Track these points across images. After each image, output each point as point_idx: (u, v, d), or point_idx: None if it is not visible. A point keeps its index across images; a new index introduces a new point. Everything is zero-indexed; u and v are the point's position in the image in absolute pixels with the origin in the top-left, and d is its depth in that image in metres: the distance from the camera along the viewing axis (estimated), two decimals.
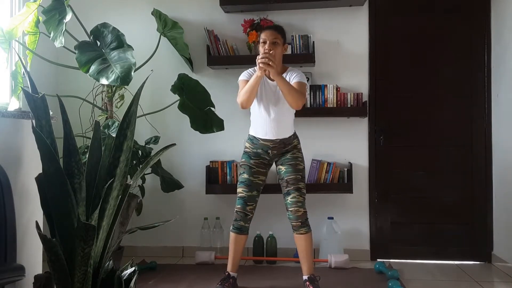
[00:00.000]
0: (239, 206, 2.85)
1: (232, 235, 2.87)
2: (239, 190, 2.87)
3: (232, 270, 2.88)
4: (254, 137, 2.89)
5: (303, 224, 2.78)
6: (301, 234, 2.78)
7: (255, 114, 2.89)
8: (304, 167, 2.90)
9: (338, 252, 3.43)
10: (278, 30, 2.84)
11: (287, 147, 2.88)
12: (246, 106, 2.78)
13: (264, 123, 2.84)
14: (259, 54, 2.67)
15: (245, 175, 2.87)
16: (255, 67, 2.76)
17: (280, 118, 2.82)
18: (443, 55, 3.61)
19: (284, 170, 2.85)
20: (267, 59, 2.58)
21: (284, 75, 2.81)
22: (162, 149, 2.05)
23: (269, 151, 2.87)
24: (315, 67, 3.63)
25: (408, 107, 3.63)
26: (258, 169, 2.87)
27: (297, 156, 2.88)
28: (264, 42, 2.78)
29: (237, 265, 2.90)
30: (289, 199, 2.80)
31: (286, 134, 2.87)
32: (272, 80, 2.76)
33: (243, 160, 2.91)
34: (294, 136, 2.93)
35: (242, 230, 2.85)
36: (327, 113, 3.53)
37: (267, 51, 2.70)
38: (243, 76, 2.87)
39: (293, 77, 2.81)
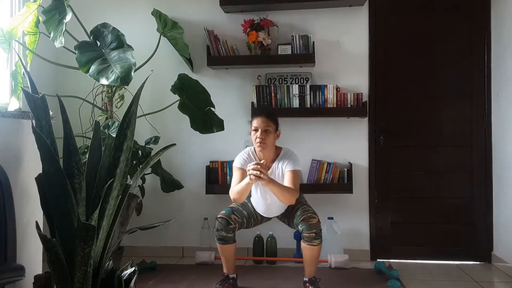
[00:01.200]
0: (223, 212, 2.80)
1: (218, 245, 2.83)
2: (233, 204, 2.88)
3: (229, 272, 2.88)
4: (254, 207, 2.96)
5: (317, 235, 2.67)
6: (314, 246, 2.68)
7: (253, 193, 2.92)
8: (303, 199, 2.95)
9: (338, 252, 3.43)
10: (270, 117, 2.80)
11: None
12: (239, 202, 2.83)
13: (261, 203, 2.89)
14: (251, 164, 2.66)
15: (245, 200, 2.91)
16: (249, 149, 2.84)
17: (277, 202, 2.82)
18: (443, 55, 3.61)
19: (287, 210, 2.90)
20: (258, 172, 2.57)
21: (276, 162, 2.84)
22: (162, 149, 2.05)
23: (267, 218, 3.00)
24: (315, 67, 3.63)
25: (408, 107, 3.63)
26: (256, 216, 2.96)
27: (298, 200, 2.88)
28: (256, 130, 2.77)
29: (232, 267, 2.89)
30: (298, 212, 2.76)
31: (283, 210, 2.91)
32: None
33: (249, 197, 2.96)
34: None
35: (226, 240, 2.79)
36: (327, 113, 3.53)
37: (258, 141, 2.72)
38: (237, 162, 2.87)
39: (285, 165, 2.80)
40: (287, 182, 2.74)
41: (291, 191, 2.69)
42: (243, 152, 2.92)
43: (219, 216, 2.79)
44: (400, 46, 3.65)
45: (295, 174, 2.78)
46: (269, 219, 3.02)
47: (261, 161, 2.69)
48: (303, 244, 2.73)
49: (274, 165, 2.85)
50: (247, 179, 2.65)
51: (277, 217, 2.99)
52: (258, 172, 2.57)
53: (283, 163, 2.82)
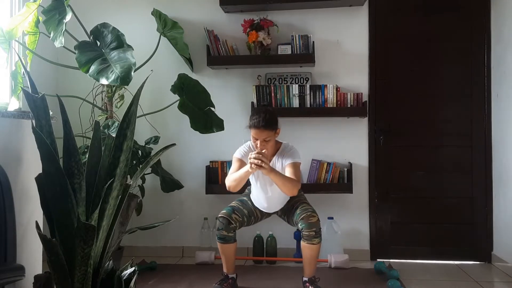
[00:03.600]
0: (224, 211, 2.80)
1: (218, 244, 2.84)
2: (233, 202, 2.89)
3: (229, 272, 2.88)
4: (253, 203, 2.95)
5: (316, 234, 2.67)
6: (313, 244, 2.69)
7: (253, 184, 2.91)
8: (302, 197, 2.95)
9: (338, 252, 3.43)
10: (267, 127, 2.71)
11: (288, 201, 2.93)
12: (234, 191, 2.80)
13: (261, 197, 2.88)
14: (252, 152, 2.65)
15: (245, 198, 2.92)
16: (250, 142, 2.83)
17: (277, 194, 2.83)
18: (443, 55, 3.61)
19: (287, 205, 2.90)
20: (259, 161, 2.57)
21: (276, 155, 2.84)
22: (162, 149, 2.05)
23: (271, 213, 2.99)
24: (315, 67, 3.63)
25: (408, 107, 3.63)
26: (256, 214, 2.95)
27: (297, 196, 2.88)
28: (256, 139, 2.76)
29: (232, 267, 2.89)
30: (298, 210, 2.77)
31: (284, 204, 2.91)
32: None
33: (247, 194, 2.97)
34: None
35: (226, 239, 2.79)
36: (327, 113, 3.53)
37: (259, 150, 2.68)
38: (237, 153, 2.87)
39: (285, 158, 2.81)
40: (288, 174, 2.74)
41: (292, 181, 2.70)
42: (244, 145, 2.92)
43: (220, 215, 2.79)
44: (400, 46, 3.65)
45: (296, 166, 2.79)
46: (269, 215, 3.00)
47: (263, 150, 2.68)
48: (302, 243, 2.74)
49: (274, 159, 2.85)
50: (246, 167, 2.66)
51: (277, 213, 2.98)
52: (260, 161, 2.57)
53: (283, 157, 2.83)
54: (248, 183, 2.94)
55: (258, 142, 2.74)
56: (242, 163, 2.79)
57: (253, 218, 2.92)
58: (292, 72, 3.64)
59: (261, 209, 2.94)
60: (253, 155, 2.60)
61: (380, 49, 3.64)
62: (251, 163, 2.60)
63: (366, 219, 3.64)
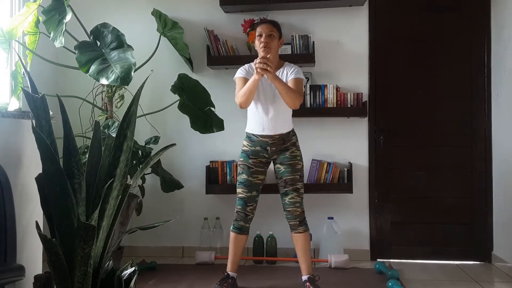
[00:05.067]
0: (239, 206, 2.86)
1: (232, 234, 2.88)
2: (238, 190, 2.88)
3: (231, 270, 2.88)
4: (252, 134, 2.88)
5: (301, 223, 2.81)
6: (299, 233, 2.81)
7: (252, 111, 2.88)
8: (302, 165, 2.89)
9: (338, 252, 3.43)
10: (273, 23, 2.88)
11: (286, 144, 2.86)
12: (245, 106, 2.80)
13: (262, 120, 2.84)
14: (257, 58, 2.66)
15: (244, 176, 2.86)
16: (251, 63, 2.79)
17: (278, 114, 2.82)
18: (443, 55, 3.61)
19: (283, 169, 2.84)
20: (264, 64, 2.58)
21: (281, 70, 2.84)
22: (162, 149, 2.05)
23: (268, 148, 2.85)
24: (315, 67, 3.63)
25: (408, 107, 3.63)
26: (256, 168, 2.86)
27: (295, 154, 2.87)
28: (260, 35, 2.79)
29: (236, 265, 2.90)
30: (287, 199, 2.81)
31: (284, 129, 2.86)
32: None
33: (241, 159, 2.90)
34: (293, 133, 2.92)
35: (243, 230, 2.86)
36: (327, 113, 3.53)
37: (262, 46, 2.74)
38: (239, 73, 2.87)
39: (290, 72, 2.82)
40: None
41: (295, 92, 2.71)
42: (245, 65, 2.91)
43: (236, 209, 2.85)
44: (400, 46, 3.65)
45: (299, 81, 2.79)
46: (268, 163, 2.91)
47: (268, 55, 2.68)
48: (292, 234, 2.85)
49: (278, 73, 2.83)
50: (253, 77, 2.66)
51: (275, 163, 2.89)
52: (265, 65, 2.57)
53: (287, 70, 2.84)
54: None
55: (263, 37, 2.76)
56: (246, 81, 2.77)
57: (260, 188, 2.91)
58: None
59: (263, 133, 2.82)
60: (258, 60, 2.61)
61: (380, 49, 3.64)
62: (256, 68, 2.60)
63: (366, 219, 3.64)
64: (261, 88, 2.80)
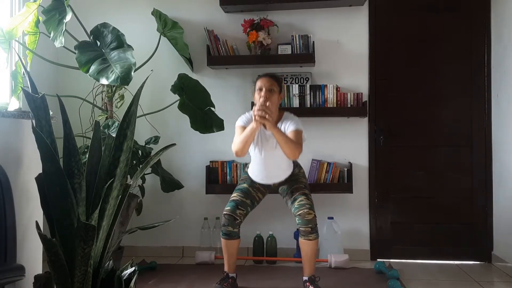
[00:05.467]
0: (228, 208, 2.79)
1: (222, 240, 2.84)
2: (233, 194, 2.86)
3: (229, 271, 2.88)
4: (252, 179, 2.93)
5: (313, 230, 2.71)
6: (310, 240, 2.72)
7: (253, 157, 2.92)
8: (306, 180, 2.93)
9: (338, 252, 3.43)
10: (274, 78, 2.85)
11: (288, 178, 2.91)
12: (241, 155, 2.77)
13: (261, 170, 2.88)
14: (255, 105, 2.67)
15: (245, 185, 2.90)
16: (249, 112, 2.81)
17: (276, 164, 2.84)
18: (443, 55, 3.61)
19: (287, 185, 2.88)
20: (263, 112, 2.58)
21: (279, 123, 2.82)
22: (162, 149, 2.05)
23: (271, 186, 2.95)
24: (315, 67, 3.63)
25: (408, 107, 3.63)
26: (259, 187, 2.91)
27: (298, 177, 2.91)
28: (260, 89, 2.78)
29: (233, 266, 2.89)
30: (296, 203, 2.76)
31: (283, 177, 2.90)
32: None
33: (245, 176, 2.95)
34: (297, 168, 2.94)
35: (232, 235, 2.80)
36: (327, 113, 3.53)
37: (263, 101, 2.71)
38: (239, 122, 2.88)
39: (288, 125, 2.80)
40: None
41: (295, 143, 2.70)
42: (246, 114, 2.92)
43: (224, 212, 2.79)
44: (400, 46, 3.65)
45: (298, 133, 2.79)
46: (270, 189, 2.95)
47: (267, 103, 2.68)
48: (300, 239, 2.77)
49: (278, 126, 2.82)
50: (251, 125, 2.66)
51: (278, 190, 2.93)
52: (264, 113, 2.57)
53: (286, 124, 2.83)
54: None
55: (263, 92, 2.75)
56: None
57: (256, 203, 2.91)
58: (292, 72, 3.64)
59: (262, 182, 2.89)
60: (257, 107, 2.61)
61: (380, 49, 3.64)
62: (255, 116, 2.60)
63: (366, 219, 3.64)
64: (259, 138, 2.81)
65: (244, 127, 2.79)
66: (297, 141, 2.72)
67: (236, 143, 2.76)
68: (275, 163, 2.84)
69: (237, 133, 2.84)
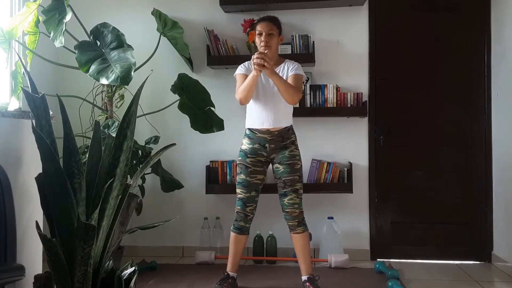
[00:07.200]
0: (239, 207, 2.86)
1: (232, 235, 2.88)
2: (238, 191, 2.88)
3: (231, 270, 2.88)
4: (251, 130, 2.88)
5: (299, 223, 2.80)
6: (298, 233, 2.81)
7: (252, 107, 2.89)
8: (301, 165, 2.88)
9: (338, 252, 3.43)
10: (273, 21, 2.88)
11: (285, 142, 2.85)
12: (245, 102, 2.82)
13: (261, 114, 2.84)
14: (255, 53, 2.67)
15: (242, 176, 2.86)
16: (248, 62, 2.82)
17: (278, 109, 2.83)
18: (443, 55, 3.61)
19: (282, 170, 2.83)
20: (262, 60, 2.58)
21: (281, 66, 2.86)
22: (162, 149, 2.05)
23: (267, 145, 2.84)
24: (315, 67, 3.63)
25: (408, 107, 3.63)
26: (255, 168, 2.85)
27: (294, 154, 2.86)
28: (260, 34, 2.82)
29: (236, 265, 2.90)
30: (286, 200, 2.81)
31: (283, 123, 2.86)
32: None
33: (240, 158, 2.90)
34: (292, 130, 2.92)
35: (243, 230, 2.86)
36: (327, 113, 3.53)
37: (263, 45, 2.76)
38: (239, 70, 2.90)
39: (290, 68, 2.84)
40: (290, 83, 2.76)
41: (294, 88, 2.71)
42: (244, 62, 2.93)
43: (236, 210, 2.85)
44: (400, 46, 3.65)
45: (298, 78, 2.80)
46: (267, 162, 2.89)
47: (265, 51, 2.69)
48: (291, 234, 2.84)
49: (278, 69, 2.84)
50: (252, 73, 2.68)
51: (274, 162, 2.87)
52: (262, 60, 2.57)
53: (287, 67, 2.85)
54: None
55: (263, 36, 2.78)
56: (246, 78, 2.78)
57: (260, 187, 2.90)
58: None
59: (262, 127, 2.82)
60: (256, 56, 2.61)
61: (380, 49, 3.64)
62: (254, 64, 2.61)
63: (366, 219, 3.64)
64: (260, 84, 2.82)
65: (243, 75, 2.83)
66: (295, 86, 2.75)
67: (239, 92, 2.79)
68: (276, 106, 2.82)
69: (238, 81, 2.87)
